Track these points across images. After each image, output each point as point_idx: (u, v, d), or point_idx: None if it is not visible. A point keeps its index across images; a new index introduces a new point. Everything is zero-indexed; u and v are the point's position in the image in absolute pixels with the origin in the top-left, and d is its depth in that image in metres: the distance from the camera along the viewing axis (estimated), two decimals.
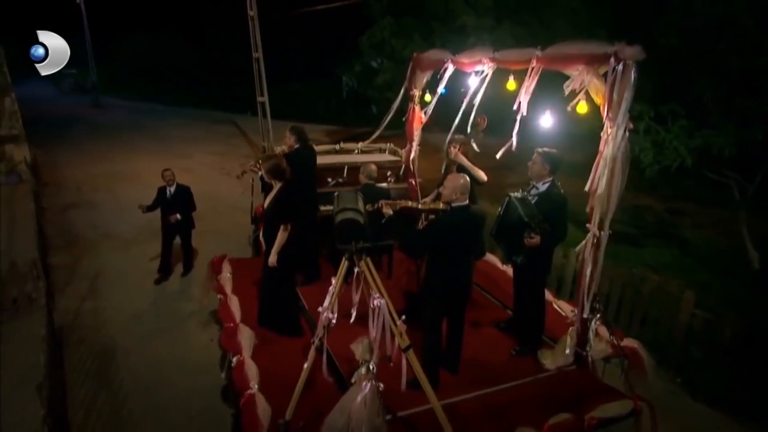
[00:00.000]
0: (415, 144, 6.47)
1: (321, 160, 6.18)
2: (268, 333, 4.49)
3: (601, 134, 3.68)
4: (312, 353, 3.25)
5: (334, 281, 3.11)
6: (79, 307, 6.92)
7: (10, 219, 9.85)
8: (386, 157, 6.87)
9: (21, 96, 26.99)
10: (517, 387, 3.89)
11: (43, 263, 7.87)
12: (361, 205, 3.13)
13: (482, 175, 4.73)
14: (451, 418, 3.44)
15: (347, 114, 20.91)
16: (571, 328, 4.18)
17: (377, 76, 12.03)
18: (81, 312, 6.82)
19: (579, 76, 3.77)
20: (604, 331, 4.27)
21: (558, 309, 4.90)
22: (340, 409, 3.20)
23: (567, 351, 4.11)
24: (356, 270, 3.04)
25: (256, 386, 3.70)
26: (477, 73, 5.09)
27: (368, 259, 3.00)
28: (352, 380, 3.23)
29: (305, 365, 3.23)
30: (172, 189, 7.06)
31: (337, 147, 6.87)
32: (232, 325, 4.53)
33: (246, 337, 4.30)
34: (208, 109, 24.99)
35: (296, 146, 5.40)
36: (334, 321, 3.19)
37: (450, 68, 5.41)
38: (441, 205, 3.57)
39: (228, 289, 5.21)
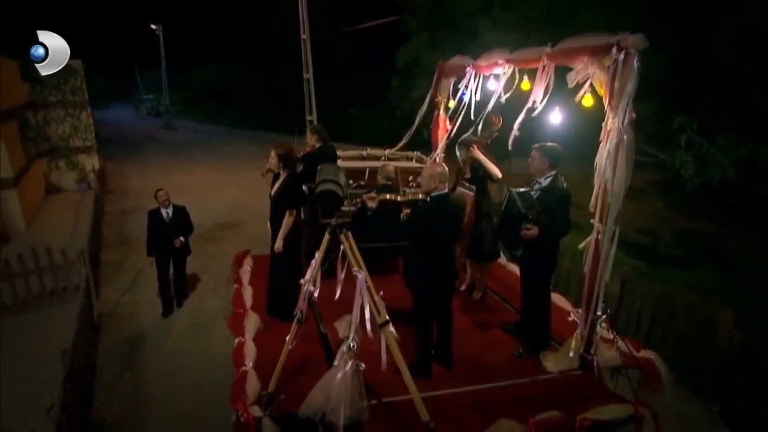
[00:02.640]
0: (440, 151, 6.50)
1: (347, 164, 6.33)
2: (274, 320, 4.60)
3: (603, 124, 3.58)
4: (294, 326, 3.31)
5: (317, 255, 3.19)
6: (120, 298, 7.41)
7: (75, 220, 10.81)
8: (412, 164, 6.93)
9: (105, 118, 30.08)
10: (512, 386, 3.73)
11: (95, 259, 8.55)
12: (342, 179, 3.20)
13: (497, 172, 4.68)
14: (435, 408, 3.38)
15: (399, 138, 21.27)
16: (577, 331, 3.99)
17: (413, 91, 12.17)
18: (120, 302, 7.30)
19: (583, 69, 3.71)
20: (613, 337, 4.04)
21: (573, 316, 4.68)
22: (321, 387, 3.23)
23: (571, 354, 3.92)
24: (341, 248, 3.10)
25: (251, 364, 3.81)
26: (496, 77, 5.12)
27: (349, 234, 3.06)
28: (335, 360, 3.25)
29: (287, 337, 3.30)
30: (169, 211, 6.50)
31: (364, 153, 7.01)
32: (241, 311, 4.69)
33: (251, 321, 4.44)
34: (267, 131, 26.23)
35: (318, 145, 5.56)
36: (315, 294, 3.26)
37: (470, 72, 5.46)
38: (420, 196, 3.57)
39: (245, 280, 5.40)
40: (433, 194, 3.65)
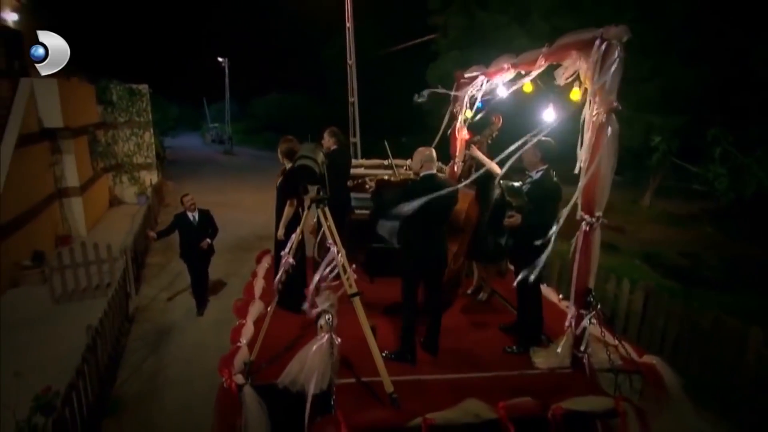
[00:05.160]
0: (458, 160, 6.60)
1: (368, 171, 6.55)
2: (280, 310, 4.81)
3: (584, 115, 3.60)
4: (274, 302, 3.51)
5: (298, 230, 3.39)
6: (156, 295, 7.94)
7: (130, 228, 11.71)
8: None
9: (174, 144, 32.45)
10: (496, 377, 3.69)
11: (141, 261, 9.24)
12: (319, 157, 3.41)
13: (496, 169, 4.73)
14: (411, 389, 3.43)
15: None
16: (568, 329, 3.91)
17: (445, 107, 12.28)
18: (156, 299, 7.82)
19: (572, 64, 3.77)
20: (608, 337, 3.92)
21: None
22: (299, 358, 3.38)
23: (559, 350, 3.83)
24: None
25: (245, 341, 4.02)
26: (506, 84, 5.23)
27: (325, 209, 3.25)
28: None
29: (269, 308, 3.49)
30: (195, 215, 6.83)
31: (386, 162, 7.21)
32: (249, 299, 4.94)
33: (255, 307, 4.67)
34: None
35: (333, 147, 5.78)
36: (292, 262, 3.45)
37: (482, 81, 5.59)
38: (412, 176, 3.71)
39: (260, 274, 5.68)
40: (422, 174, 3.81)
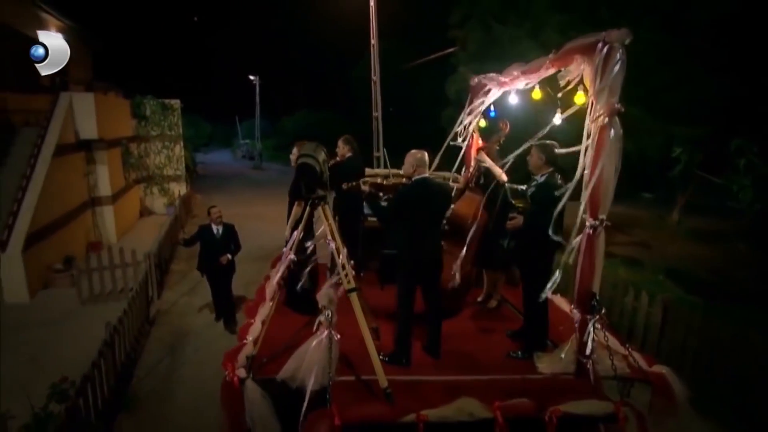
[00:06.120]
0: (473, 169, 6.62)
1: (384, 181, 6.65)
2: (289, 311, 4.90)
3: (587, 118, 3.60)
4: (277, 290, 3.60)
5: (300, 227, 3.49)
6: (177, 300, 8.17)
7: (156, 237, 12.09)
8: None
9: (206, 159, 33.44)
10: (496, 380, 3.65)
11: (166, 267, 9.53)
12: (320, 156, 3.49)
13: (502, 175, 4.74)
14: (408, 388, 3.44)
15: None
16: (573, 335, 3.85)
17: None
18: (177, 303, 8.04)
19: (576, 68, 3.80)
20: (615, 345, 3.86)
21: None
22: (299, 354, 3.45)
23: (563, 356, 3.77)
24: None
25: (251, 339, 4.11)
26: (517, 92, 5.27)
27: (326, 207, 3.33)
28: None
29: (269, 303, 3.57)
30: (220, 228, 6.68)
31: (401, 171, 7.27)
32: (260, 301, 5.05)
33: (265, 308, 4.77)
34: None
35: (348, 155, 5.85)
36: (293, 258, 3.55)
37: (494, 89, 5.64)
38: (404, 180, 3.76)
39: (274, 279, 5.78)
40: (414, 178, 3.86)
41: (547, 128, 4.29)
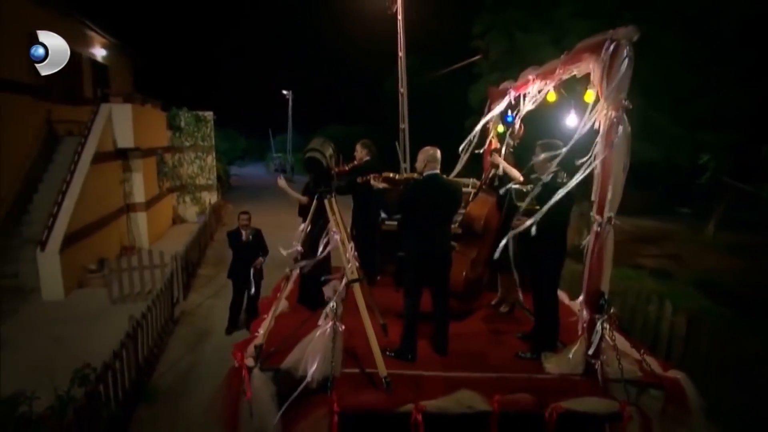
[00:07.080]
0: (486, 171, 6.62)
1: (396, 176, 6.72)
2: (303, 308, 5.00)
3: (595, 115, 3.59)
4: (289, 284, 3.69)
5: (305, 223, 3.59)
6: (202, 303, 8.41)
7: (187, 242, 12.49)
8: (467, 190, 7.09)
9: (240, 172, 34.37)
10: (501, 378, 3.62)
11: (193, 272, 9.83)
12: (328, 152, 3.58)
13: (518, 176, 4.73)
14: (411, 382, 3.46)
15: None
16: (582, 335, 3.79)
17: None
18: (201, 305, 8.28)
19: (585, 67, 3.81)
20: (625, 347, 3.78)
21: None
22: (303, 344, 3.53)
23: (570, 356, 3.71)
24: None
25: (262, 331, 4.21)
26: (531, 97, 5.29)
27: (333, 200, 3.42)
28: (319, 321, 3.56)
29: (279, 294, 3.67)
30: (249, 233, 6.80)
31: (415, 175, 7.33)
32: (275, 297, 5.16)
33: (279, 305, 4.87)
34: None
35: (366, 158, 5.92)
36: (300, 250, 3.65)
37: (511, 94, 5.67)
38: (415, 175, 3.81)
39: (291, 278, 5.91)
40: (425, 173, 3.92)
41: (576, 136, 4.11)
